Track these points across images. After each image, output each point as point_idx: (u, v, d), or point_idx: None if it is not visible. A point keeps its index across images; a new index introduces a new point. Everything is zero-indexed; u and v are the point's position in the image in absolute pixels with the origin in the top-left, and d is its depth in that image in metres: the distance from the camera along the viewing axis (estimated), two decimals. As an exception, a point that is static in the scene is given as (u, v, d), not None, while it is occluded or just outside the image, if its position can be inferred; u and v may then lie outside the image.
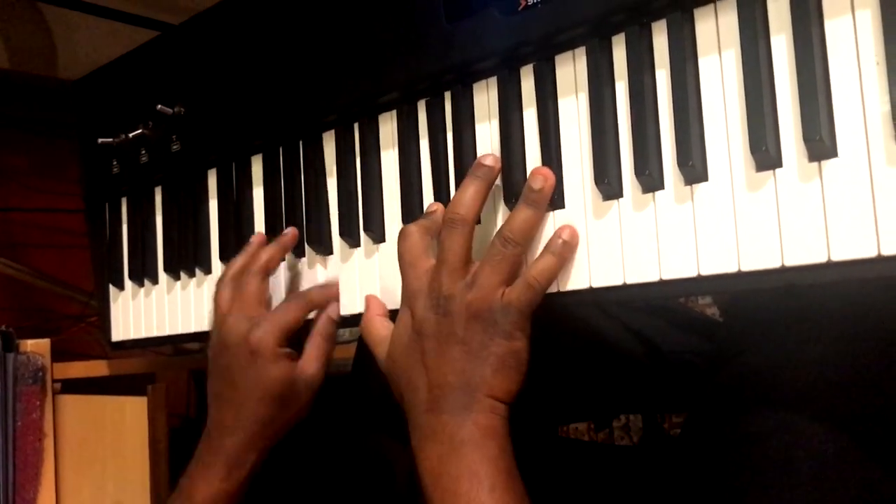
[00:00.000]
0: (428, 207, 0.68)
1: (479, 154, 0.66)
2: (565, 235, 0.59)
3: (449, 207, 0.62)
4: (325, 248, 0.77)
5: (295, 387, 0.73)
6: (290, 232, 0.78)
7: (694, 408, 0.75)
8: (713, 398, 0.65)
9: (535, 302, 0.59)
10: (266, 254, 0.77)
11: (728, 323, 0.80)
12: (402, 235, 0.65)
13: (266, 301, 0.77)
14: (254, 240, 0.79)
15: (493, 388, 0.59)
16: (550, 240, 0.59)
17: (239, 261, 0.78)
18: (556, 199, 0.61)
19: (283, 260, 0.79)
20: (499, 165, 0.63)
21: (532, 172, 0.61)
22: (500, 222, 0.64)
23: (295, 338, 0.75)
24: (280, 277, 0.80)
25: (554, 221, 0.61)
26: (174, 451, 1.14)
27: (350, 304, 0.74)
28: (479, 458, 0.58)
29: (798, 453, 0.54)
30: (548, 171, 0.60)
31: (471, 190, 0.62)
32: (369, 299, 0.71)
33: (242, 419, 0.73)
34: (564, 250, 0.59)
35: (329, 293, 0.75)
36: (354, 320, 0.75)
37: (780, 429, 0.55)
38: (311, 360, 0.74)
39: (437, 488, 0.59)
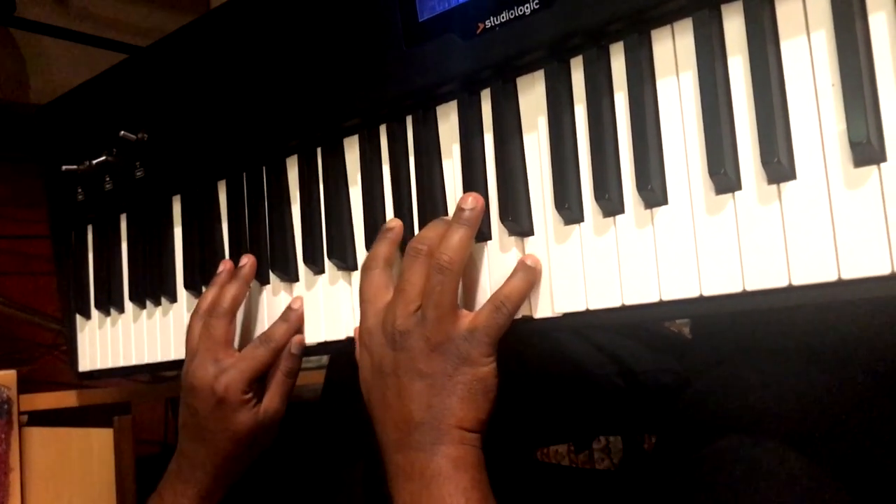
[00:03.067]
0: (387, 223, 0.66)
1: (444, 177, 0.65)
2: (530, 261, 0.58)
3: (414, 240, 0.61)
4: (289, 276, 0.75)
5: (261, 427, 0.74)
6: (247, 263, 0.77)
7: (661, 430, 0.75)
8: (677, 419, 0.64)
9: (503, 326, 0.58)
10: (230, 292, 0.76)
11: (697, 342, 0.80)
12: (363, 270, 0.65)
13: (232, 339, 0.76)
14: (222, 269, 0.78)
15: (462, 419, 0.58)
16: (517, 264, 0.59)
17: (209, 296, 0.77)
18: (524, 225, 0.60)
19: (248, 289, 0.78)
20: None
21: (464, 195, 0.60)
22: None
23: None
24: (243, 307, 0.78)
25: (516, 248, 0.60)
26: (151, 478, 1.12)
27: (315, 333, 0.73)
28: (451, 490, 0.56)
29: (755, 475, 0.53)
30: (478, 196, 0.60)
31: (438, 227, 0.61)
32: (356, 331, 0.68)
33: (212, 456, 0.74)
34: (530, 275, 0.58)
35: (291, 327, 0.74)
36: (321, 349, 0.74)
37: (738, 450, 0.55)
38: (273, 399, 0.74)
39: None
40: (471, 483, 0.57)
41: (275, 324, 0.74)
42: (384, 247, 0.65)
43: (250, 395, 0.73)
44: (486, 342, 0.58)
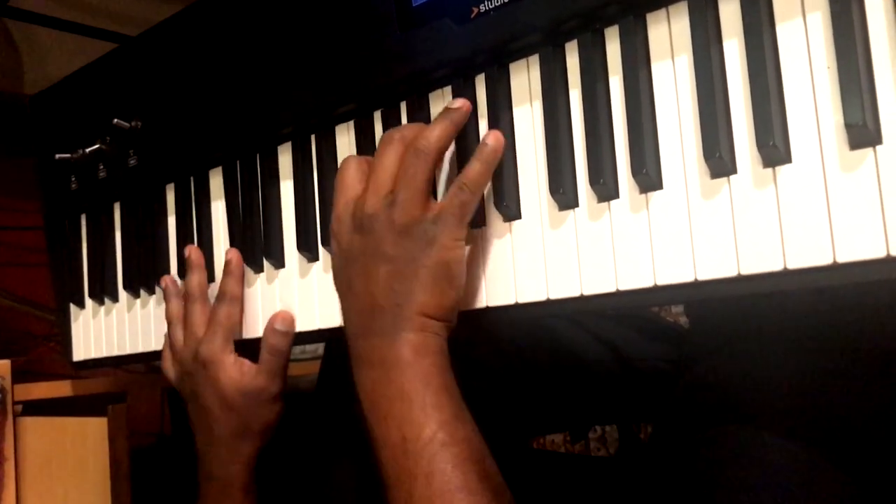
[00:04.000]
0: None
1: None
2: (490, 140, 0.58)
3: (417, 138, 0.60)
4: (283, 263, 0.75)
5: (248, 397, 0.74)
6: (192, 252, 0.80)
7: (659, 417, 0.75)
8: (674, 407, 0.64)
9: (469, 207, 0.58)
10: (194, 280, 0.79)
11: (694, 331, 0.80)
12: (342, 162, 0.64)
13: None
14: (167, 282, 0.82)
15: (424, 305, 0.57)
16: (478, 148, 0.59)
17: (173, 303, 0.81)
18: (513, 210, 0.60)
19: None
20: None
21: (452, 100, 0.61)
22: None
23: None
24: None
25: (511, 233, 0.60)
26: (148, 469, 1.12)
27: (310, 320, 0.73)
28: (410, 377, 0.56)
29: (750, 463, 0.53)
30: (466, 100, 0.61)
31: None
32: None
33: (213, 438, 0.75)
34: (490, 156, 0.58)
35: (235, 278, 0.76)
36: (316, 336, 0.73)
37: (734, 438, 0.55)
38: (259, 372, 0.74)
39: (371, 413, 0.58)
40: (431, 369, 0.57)
41: (222, 280, 0.77)
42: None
43: (235, 356, 0.74)
44: (452, 222, 0.57)
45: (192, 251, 0.80)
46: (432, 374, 0.57)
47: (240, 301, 0.76)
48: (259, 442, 0.75)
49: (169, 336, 0.81)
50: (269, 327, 0.73)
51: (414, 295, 0.57)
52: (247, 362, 0.74)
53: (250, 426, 0.74)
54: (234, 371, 0.74)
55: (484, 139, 0.59)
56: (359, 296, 0.59)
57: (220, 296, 0.76)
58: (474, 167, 0.58)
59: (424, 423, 0.54)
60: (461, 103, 0.60)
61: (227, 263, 0.77)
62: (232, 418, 0.74)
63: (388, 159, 0.59)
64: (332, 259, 0.63)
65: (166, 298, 0.82)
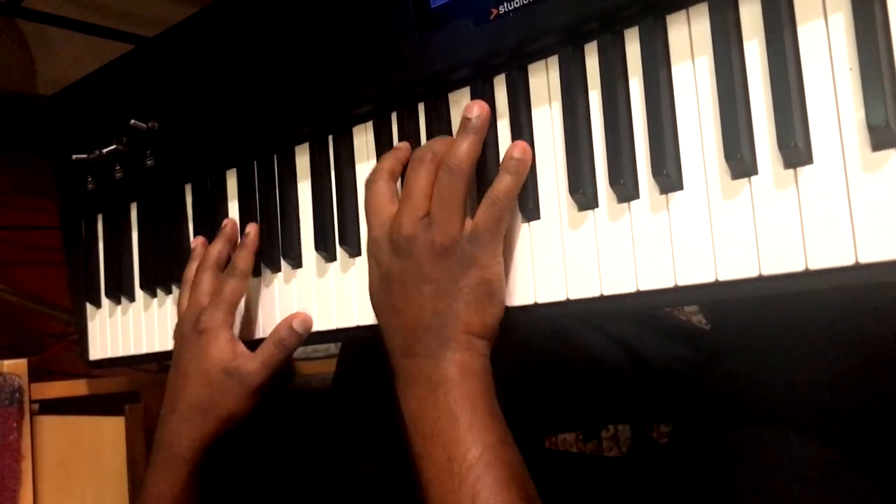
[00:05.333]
0: (397, 145, 0.66)
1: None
2: (517, 153, 0.59)
3: (419, 149, 0.61)
4: (300, 263, 0.75)
5: (230, 378, 0.72)
6: (228, 224, 0.79)
7: (679, 417, 0.75)
8: (696, 407, 0.64)
9: (503, 221, 0.58)
10: (215, 248, 0.78)
11: (715, 332, 0.80)
12: (367, 183, 0.64)
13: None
14: (198, 243, 0.82)
15: (469, 324, 0.58)
16: (504, 160, 0.59)
17: (191, 265, 0.80)
18: (532, 210, 0.60)
19: (248, 260, 0.78)
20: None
21: (467, 105, 0.61)
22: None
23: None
24: (255, 294, 0.78)
25: (530, 233, 0.60)
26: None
27: (327, 320, 0.73)
28: (457, 397, 0.56)
29: (777, 463, 0.53)
30: (482, 103, 0.61)
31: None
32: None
33: (178, 404, 0.74)
34: (519, 167, 0.59)
35: (248, 251, 0.76)
36: (333, 336, 0.74)
37: (760, 438, 0.55)
38: (253, 358, 0.73)
39: (416, 432, 0.58)
40: (477, 390, 0.57)
41: (235, 260, 0.77)
42: (389, 161, 0.65)
43: (228, 331, 0.73)
44: (488, 239, 0.58)
45: (230, 223, 0.80)
46: (479, 394, 0.57)
47: (247, 278, 0.76)
48: (219, 426, 0.73)
49: (179, 298, 0.81)
50: (286, 323, 0.73)
51: (458, 314, 0.57)
52: (241, 345, 0.74)
53: (218, 407, 0.72)
54: (227, 347, 0.73)
55: (511, 151, 0.59)
56: (402, 317, 0.60)
57: (231, 269, 0.76)
58: (504, 180, 0.58)
59: (471, 444, 0.55)
60: (479, 111, 0.60)
61: (244, 235, 0.77)
62: (204, 392, 0.72)
63: (422, 180, 0.60)
64: (371, 280, 0.64)
65: (190, 259, 0.81)
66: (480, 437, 0.55)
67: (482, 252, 0.57)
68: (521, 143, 0.59)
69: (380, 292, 0.62)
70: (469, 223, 0.58)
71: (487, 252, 0.58)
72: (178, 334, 0.77)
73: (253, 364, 0.72)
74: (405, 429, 0.59)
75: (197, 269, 0.79)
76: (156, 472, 0.74)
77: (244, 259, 0.76)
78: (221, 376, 0.72)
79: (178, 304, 0.80)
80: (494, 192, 0.58)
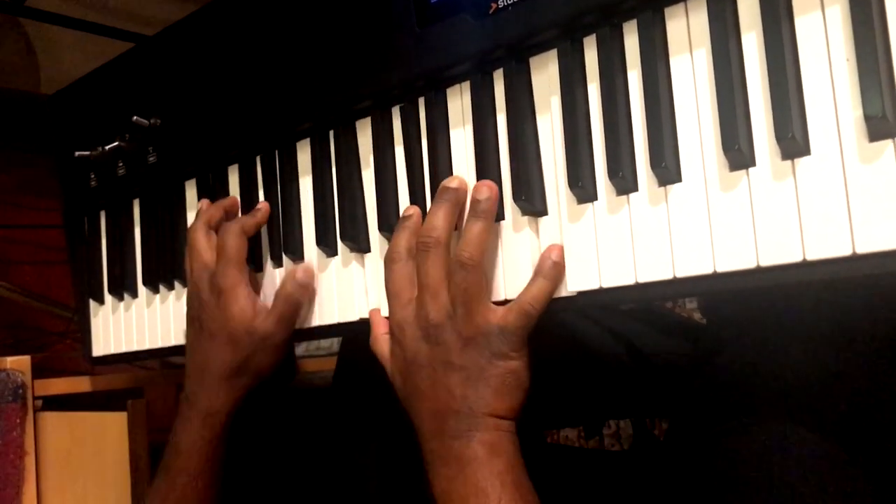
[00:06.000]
0: (404, 212, 0.67)
1: (453, 161, 0.65)
2: (555, 256, 0.58)
3: (421, 233, 0.62)
4: (302, 258, 0.76)
5: (252, 337, 0.74)
6: (261, 207, 0.79)
7: (676, 410, 0.75)
8: (692, 400, 0.64)
9: (531, 325, 0.59)
10: (208, 211, 0.80)
11: (709, 325, 0.80)
12: (386, 263, 0.65)
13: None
14: (203, 203, 0.82)
15: (496, 409, 0.59)
16: (540, 262, 0.59)
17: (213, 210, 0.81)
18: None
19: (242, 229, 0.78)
20: (465, 187, 0.62)
21: (476, 185, 0.61)
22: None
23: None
24: (257, 289, 0.79)
25: (537, 227, 0.60)
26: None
27: (328, 314, 0.74)
28: (486, 474, 0.57)
29: (770, 454, 0.53)
30: (491, 183, 0.61)
31: (440, 213, 0.61)
32: (373, 316, 0.69)
33: (209, 364, 0.75)
34: (556, 272, 0.59)
35: (259, 217, 0.78)
36: (334, 331, 0.74)
37: (754, 430, 0.55)
38: (269, 318, 0.74)
39: None
40: (506, 467, 0.58)
41: (245, 217, 0.78)
42: (404, 237, 0.65)
43: (246, 287, 0.75)
44: (516, 340, 0.59)
45: (231, 199, 0.82)
46: (507, 470, 0.58)
47: (247, 238, 0.77)
48: (250, 383, 0.75)
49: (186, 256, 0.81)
50: (290, 277, 0.74)
51: (486, 400, 0.59)
52: (260, 302, 0.75)
53: (248, 365, 0.74)
54: (248, 305, 0.74)
55: (548, 254, 0.59)
56: (430, 401, 0.61)
57: (233, 226, 0.76)
58: (539, 286, 0.59)
59: None
60: (488, 193, 0.61)
61: (255, 209, 0.79)
62: (233, 353, 0.74)
63: (434, 268, 0.61)
64: (394, 362, 0.65)
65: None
66: None
67: (508, 347, 0.59)
68: (559, 248, 0.59)
69: (407, 377, 0.63)
70: (498, 315, 0.59)
71: (514, 347, 0.59)
72: (193, 293, 0.78)
73: (269, 322, 0.74)
74: None
75: (189, 230, 0.80)
76: (188, 428, 0.76)
77: (249, 223, 0.77)
78: (246, 336, 0.74)
79: (185, 270, 0.81)
80: (527, 299, 0.58)
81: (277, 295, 0.74)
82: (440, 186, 0.63)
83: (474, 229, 0.60)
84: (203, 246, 0.77)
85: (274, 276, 0.78)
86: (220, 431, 0.75)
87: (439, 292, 0.60)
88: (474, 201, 0.61)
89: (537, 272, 0.59)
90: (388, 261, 0.65)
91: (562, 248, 0.59)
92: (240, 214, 0.81)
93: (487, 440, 0.58)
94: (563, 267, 0.59)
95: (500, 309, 0.60)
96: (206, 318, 0.76)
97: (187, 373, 0.78)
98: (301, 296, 0.74)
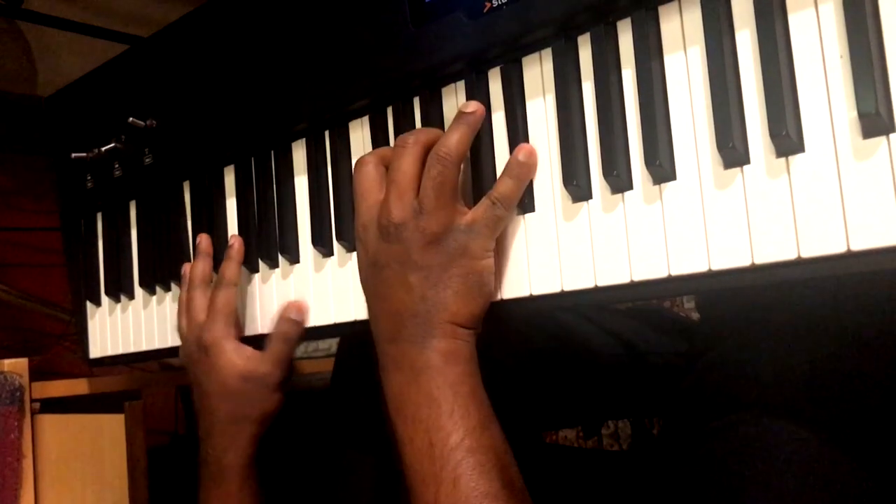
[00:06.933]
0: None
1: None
2: (522, 156, 0.58)
3: (437, 145, 0.59)
4: (298, 259, 0.76)
5: (249, 383, 0.74)
6: (202, 240, 0.81)
7: (669, 407, 0.75)
8: (684, 397, 0.64)
9: (502, 219, 0.58)
10: (198, 268, 0.80)
11: (703, 322, 0.80)
12: (357, 165, 0.64)
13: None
14: (186, 269, 0.83)
15: (455, 314, 0.58)
16: (508, 162, 0.59)
17: (182, 290, 0.82)
18: (527, 202, 0.60)
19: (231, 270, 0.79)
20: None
21: (465, 102, 0.61)
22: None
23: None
24: (254, 290, 0.79)
25: (525, 225, 0.60)
26: (163, 468, 1.13)
27: (324, 315, 0.73)
28: (439, 383, 0.57)
29: (762, 448, 0.53)
30: (478, 103, 0.60)
31: (457, 134, 0.59)
32: None
33: (213, 423, 0.76)
34: (522, 171, 0.58)
35: (233, 262, 0.78)
36: (330, 331, 0.74)
37: (746, 425, 0.55)
38: (263, 360, 0.74)
39: (398, 416, 0.58)
40: (459, 377, 0.57)
41: (222, 269, 0.78)
42: (383, 149, 0.65)
43: (232, 341, 0.75)
44: (485, 234, 0.58)
45: (203, 239, 0.82)
46: (461, 381, 0.57)
47: (236, 286, 0.78)
48: (256, 429, 0.76)
49: (178, 324, 0.82)
50: (283, 315, 0.74)
51: (445, 303, 0.57)
52: (249, 349, 0.76)
53: (249, 413, 0.75)
54: (236, 356, 0.75)
55: (516, 154, 0.59)
56: (389, 302, 0.60)
57: (219, 281, 0.78)
58: (506, 184, 0.58)
59: (452, 430, 0.55)
60: (475, 107, 0.60)
61: (229, 248, 0.79)
62: (231, 404, 0.75)
63: (407, 164, 0.59)
64: (359, 264, 0.64)
65: (181, 286, 0.83)
66: (461, 423, 0.55)
67: (475, 244, 0.58)
68: (527, 147, 0.59)
69: (368, 278, 0.62)
70: (466, 215, 0.58)
71: (480, 245, 0.58)
72: (186, 357, 0.79)
73: (266, 365, 0.74)
74: (388, 413, 0.59)
75: (188, 290, 0.81)
76: (208, 490, 0.76)
77: (230, 270, 0.78)
78: (241, 385, 0.74)
79: (178, 329, 0.82)
80: (495, 195, 0.58)
81: (272, 335, 0.75)
82: (458, 111, 0.61)
83: (456, 132, 0.59)
84: (199, 307, 0.79)
85: (268, 277, 0.78)
86: (241, 484, 0.75)
87: (406, 191, 0.59)
88: (461, 112, 0.60)
89: (505, 172, 0.59)
90: (359, 163, 0.63)
91: (530, 148, 0.59)
92: (236, 215, 0.81)
93: (443, 348, 0.57)
94: (531, 167, 0.58)
95: (467, 208, 0.59)
96: (199, 377, 0.77)
97: (200, 437, 0.78)
98: (296, 334, 0.74)
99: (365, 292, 0.64)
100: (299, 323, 0.74)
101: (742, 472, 0.53)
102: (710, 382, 0.62)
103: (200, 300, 0.79)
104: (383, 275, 0.60)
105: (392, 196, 0.59)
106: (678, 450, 0.62)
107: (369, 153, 0.65)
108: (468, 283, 0.58)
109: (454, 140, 0.59)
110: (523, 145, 0.59)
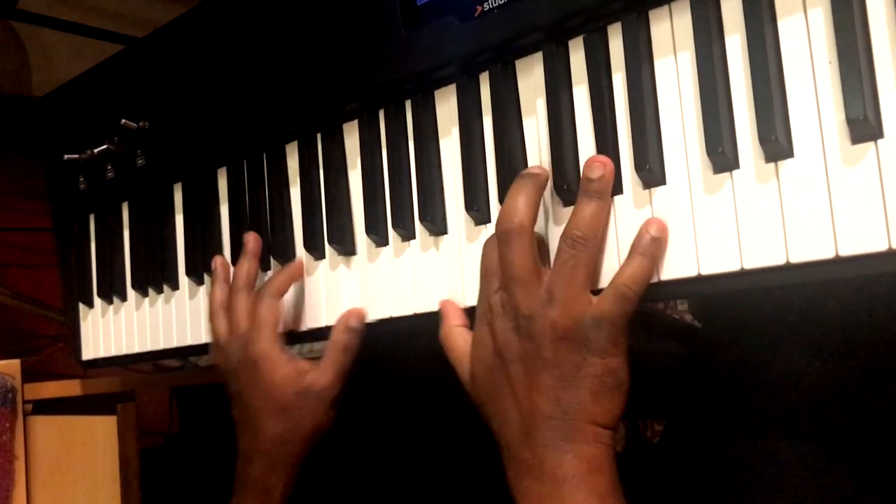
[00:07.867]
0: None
1: (442, 161, 0.65)
2: (653, 231, 0.52)
3: (500, 218, 0.55)
4: (290, 262, 0.76)
5: (306, 398, 0.70)
6: (250, 239, 0.75)
7: (671, 415, 0.75)
8: (687, 404, 0.64)
9: (630, 312, 0.52)
10: (243, 269, 0.75)
11: (704, 328, 0.80)
12: (485, 243, 0.59)
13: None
14: (217, 264, 0.78)
15: (595, 415, 0.52)
16: (637, 238, 0.53)
17: (217, 289, 0.77)
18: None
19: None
20: (546, 173, 0.57)
21: (588, 161, 0.54)
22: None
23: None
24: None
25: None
26: (156, 469, 1.12)
27: (315, 318, 0.74)
28: (584, 496, 0.51)
29: (765, 459, 0.53)
30: (606, 159, 0.54)
31: (522, 196, 0.55)
32: (445, 306, 0.62)
33: (259, 442, 0.71)
34: (655, 248, 0.52)
35: (290, 273, 0.73)
36: (320, 334, 0.74)
37: (750, 435, 0.55)
38: (323, 372, 0.70)
39: None
40: (606, 488, 0.52)
41: (273, 276, 0.74)
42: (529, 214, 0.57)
43: (283, 352, 0.71)
44: (613, 332, 0.52)
45: (251, 238, 0.76)
46: (608, 493, 0.52)
47: (282, 297, 0.73)
48: (307, 448, 0.71)
49: (212, 325, 0.76)
50: (343, 324, 0.70)
51: (583, 404, 0.52)
52: (304, 361, 0.72)
53: (301, 431, 0.70)
54: (290, 369, 0.70)
55: (646, 228, 0.52)
56: (521, 400, 0.54)
57: (266, 288, 0.73)
58: (636, 264, 0.52)
59: None
60: (602, 171, 0.54)
61: (291, 265, 0.75)
62: (282, 422, 0.70)
63: (520, 258, 0.54)
64: (477, 355, 0.58)
65: (213, 282, 0.78)
66: None
67: (606, 341, 0.52)
68: (659, 221, 0.52)
69: (492, 370, 0.56)
70: (593, 307, 0.52)
71: (612, 341, 0.52)
72: (224, 363, 0.74)
73: (326, 377, 0.70)
74: None
75: (231, 292, 0.75)
76: None
77: (282, 281, 0.73)
78: (295, 400, 0.70)
79: (214, 331, 0.76)
80: (623, 280, 0.52)
81: (330, 346, 0.70)
82: (583, 176, 0.54)
83: (587, 209, 0.53)
84: (243, 313, 0.73)
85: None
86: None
87: (530, 281, 0.54)
88: (586, 180, 0.53)
89: (634, 249, 0.52)
90: (487, 241, 0.58)
91: (662, 222, 0.52)
92: (229, 215, 0.81)
93: (586, 454, 0.52)
94: (664, 242, 0.52)
95: (595, 297, 0.53)
96: (243, 387, 0.72)
97: (241, 453, 0.73)
98: (356, 344, 0.70)
99: (483, 384, 0.58)
100: (358, 330, 0.69)
101: (743, 483, 0.53)
102: (714, 390, 0.61)
103: (244, 305, 0.73)
104: (512, 371, 0.55)
105: (516, 287, 0.54)
106: (680, 455, 0.62)
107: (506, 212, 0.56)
108: (605, 383, 0.52)
109: (587, 219, 0.53)
110: (654, 220, 0.52)
